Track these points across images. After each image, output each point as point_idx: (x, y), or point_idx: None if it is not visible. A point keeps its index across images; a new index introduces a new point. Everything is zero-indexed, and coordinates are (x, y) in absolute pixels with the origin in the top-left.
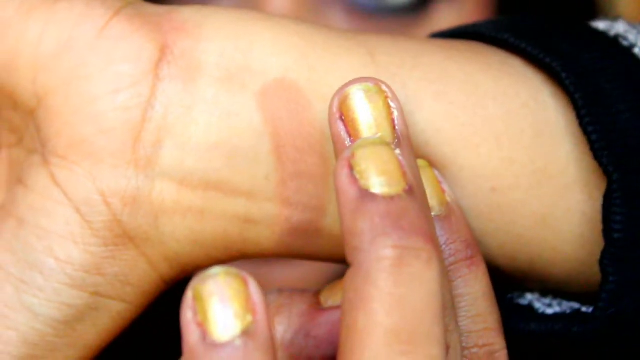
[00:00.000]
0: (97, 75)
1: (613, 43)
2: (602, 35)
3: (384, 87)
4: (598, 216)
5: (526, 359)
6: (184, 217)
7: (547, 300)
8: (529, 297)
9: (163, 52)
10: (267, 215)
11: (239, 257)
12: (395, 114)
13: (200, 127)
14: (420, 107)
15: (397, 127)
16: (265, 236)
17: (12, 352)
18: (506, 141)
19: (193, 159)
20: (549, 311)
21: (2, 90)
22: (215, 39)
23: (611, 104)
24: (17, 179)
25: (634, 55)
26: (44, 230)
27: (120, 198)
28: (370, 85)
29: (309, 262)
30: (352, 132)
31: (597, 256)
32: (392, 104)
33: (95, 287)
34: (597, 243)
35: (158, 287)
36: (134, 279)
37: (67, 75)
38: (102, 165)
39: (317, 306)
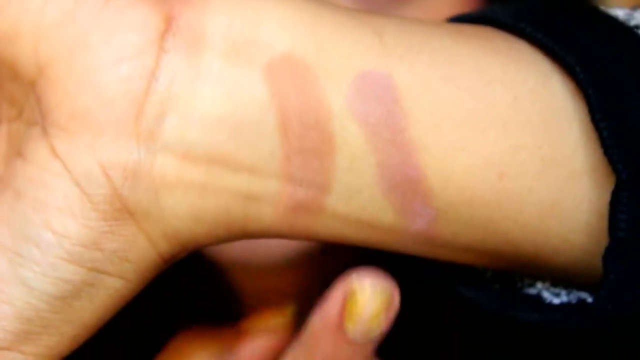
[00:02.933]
0: (100, 45)
1: (630, 35)
2: (620, 25)
3: (394, 295)
4: (604, 205)
5: (530, 349)
6: (185, 193)
7: (556, 290)
8: (539, 286)
9: (168, 23)
10: (270, 192)
11: (240, 236)
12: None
13: (204, 100)
14: (428, 90)
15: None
16: (267, 213)
17: (6, 327)
18: (513, 127)
19: (196, 133)
20: (556, 301)
21: (3, 60)
22: (222, 11)
23: (625, 100)
24: (16, 152)
25: None
26: (42, 203)
27: (121, 171)
28: (383, 289)
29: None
30: (346, 313)
31: (602, 246)
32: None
33: (93, 262)
34: (602, 233)
35: (157, 265)
36: (132, 256)
37: (69, 45)
38: (103, 137)
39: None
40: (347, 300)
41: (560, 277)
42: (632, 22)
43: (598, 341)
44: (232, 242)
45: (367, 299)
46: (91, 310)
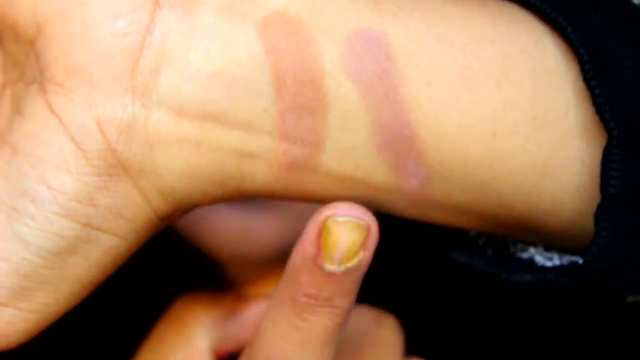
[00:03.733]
0: (96, 2)
1: (623, 1)
2: None
3: (372, 228)
4: (596, 165)
5: (521, 311)
6: (180, 149)
7: (549, 254)
8: (532, 251)
9: None
10: (264, 149)
11: (235, 195)
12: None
13: (199, 55)
14: (422, 48)
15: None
16: (262, 171)
17: (3, 283)
18: (506, 85)
19: (191, 88)
20: (549, 264)
21: (5, 21)
22: None
23: (616, 60)
24: (16, 110)
25: None
26: (38, 159)
27: (116, 126)
28: (360, 223)
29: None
30: (322, 249)
31: (594, 207)
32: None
33: (88, 218)
34: (594, 193)
35: (152, 224)
36: (127, 213)
37: (66, 3)
38: (99, 92)
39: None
40: (323, 236)
41: (554, 241)
42: None
43: (589, 302)
44: (227, 234)
45: (341, 235)
46: (87, 267)
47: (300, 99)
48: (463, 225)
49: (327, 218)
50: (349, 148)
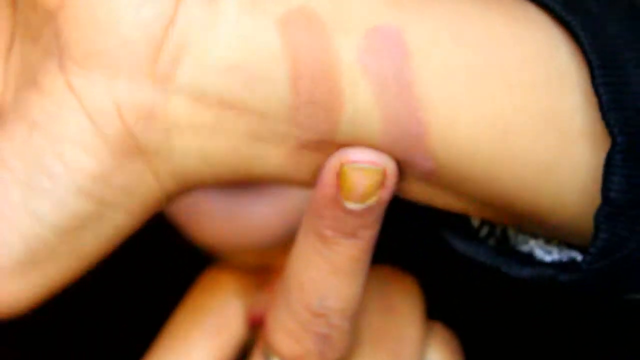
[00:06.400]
0: None
1: (636, 7)
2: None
3: (388, 170)
4: (599, 169)
5: (520, 304)
6: (195, 134)
7: (549, 248)
8: (532, 243)
9: None
10: (277, 134)
11: (245, 178)
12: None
13: (219, 47)
14: (438, 46)
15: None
16: (273, 154)
17: (13, 256)
18: (518, 87)
19: (210, 78)
20: (548, 258)
21: None
22: None
23: (626, 67)
24: (32, 82)
25: None
26: (56, 136)
27: (135, 111)
28: (374, 168)
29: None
30: (340, 190)
31: (595, 208)
32: (389, 180)
33: (101, 196)
34: (596, 195)
35: (160, 202)
36: (138, 192)
37: None
38: (120, 77)
39: None
40: (340, 179)
41: (555, 235)
42: None
43: (585, 298)
44: (215, 225)
45: (357, 179)
46: (96, 243)
47: (315, 93)
48: (467, 211)
49: (342, 164)
50: (358, 142)
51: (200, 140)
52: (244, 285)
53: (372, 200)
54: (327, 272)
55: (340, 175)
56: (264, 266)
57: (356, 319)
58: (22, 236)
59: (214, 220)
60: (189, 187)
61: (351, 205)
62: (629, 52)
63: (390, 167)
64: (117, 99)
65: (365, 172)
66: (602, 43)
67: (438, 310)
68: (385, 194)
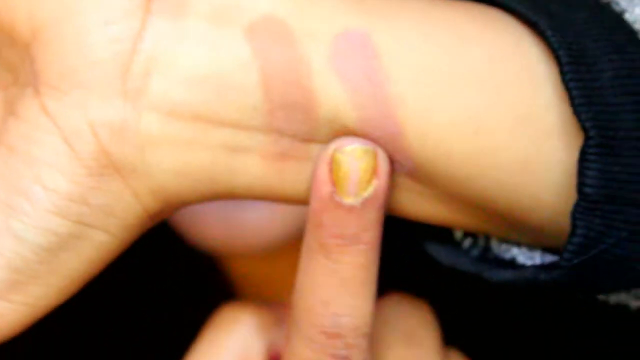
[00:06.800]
0: (90, 8)
1: (603, 7)
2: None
3: (378, 152)
4: (574, 164)
5: (505, 311)
6: (170, 148)
7: (531, 254)
8: (515, 251)
9: None
10: (255, 142)
11: (225, 193)
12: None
13: (188, 59)
14: (407, 47)
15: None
16: (253, 164)
17: None
18: (489, 85)
19: (181, 91)
20: (529, 263)
21: (1, 26)
22: None
23: (594, 62)
24: (10, 112)
25: (623, 21)
26: (33, 159)
27: (108, 128)
28: (366, 148)
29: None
30: (335, 184)
31: (571, 206)
32: (381, 166)
33: (80, 216)
34: (572, 192)
35: (142, 222)
36: (118, 211)
37: (61, 9)
38: (92, 96)
39: None
40: (334, 171)
41: (536, 238)
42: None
43: (566, 298)
44: (223, 232)
45: (350, 164)
46: (77, 262)
47: (288, 97)
48: (447, 220)
49: (334, 151)
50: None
51: (176, 155)
52: (263, 322)
53: (368, 192)
54: (336, 287)
55: (332, 164)
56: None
57: (375, 352)
58: (3, 257)
59: (211, 224)
60: (171, 204)
61: (348, 201)
62: (597, 47)
63: (381, 152)
64: (91, 117)
65: (357, 153)
66: (569, 40)
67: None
68: (381, 184)
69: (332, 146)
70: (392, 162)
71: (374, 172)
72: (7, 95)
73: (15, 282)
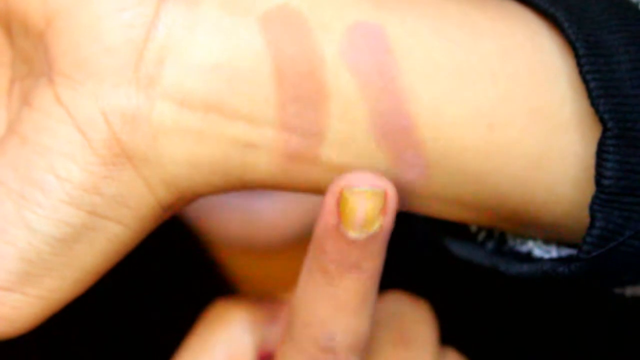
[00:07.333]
0: None
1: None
2: None
3: (389, 192)
4: (590, 157)
5: (519, 302)
6: (183, 138)
7: (547, 247)
8: (530, 244)
9: None
10: (266, 139)
11: (237, 185)
12: (388, 215)
13: (202, 48)
14: (420, 41)
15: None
16: (264, 161)
17: (9, 268)
18: (502, 78)
19: (194, 80)
20: (546, 256)
21: (15, 15)
22: None
23: (611, 54)
24: (24, 102)
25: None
26: (46, 148)
27: (121, 116)
28: (375, 190)
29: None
30: (342, 218)
31: (589, 199)
32: (389, 205)
33: (93, 206)
34: (589, 185)
35: (156, 214)
36: (131, 201)
37: None
38: (105, 84)
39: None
40: (340, 205)
41: (551, 233)
42: None
43: (585, 290)
44: (231, 219)
45: (358, 203)
46: (91, 254)
47: (301, 90)
48: (462, 218)
49: (342, 189)
50: (349, 138)
51: (188, 145)
52: (254, 319)
53: (374, 228)
54: (334, 310)
55: (340, 200)
56: (269, 281)
57: (366, 352)
58: (17, 248)
59: (225, 214)
60: (184, 196)
61: (354, 235)
62: (614, 39)
63: (391, 190)
64: (103, 105)
65: (366, 195)
66: (586, 32)
67: (442, 323)
68: (387, 220)
69: (342, 182)
70: (402, 163)
71: (383, 211)
72: (23, 86)
73: (30, 275)
